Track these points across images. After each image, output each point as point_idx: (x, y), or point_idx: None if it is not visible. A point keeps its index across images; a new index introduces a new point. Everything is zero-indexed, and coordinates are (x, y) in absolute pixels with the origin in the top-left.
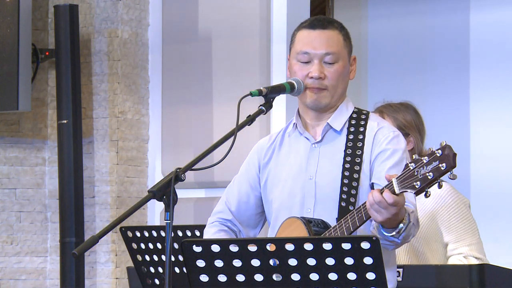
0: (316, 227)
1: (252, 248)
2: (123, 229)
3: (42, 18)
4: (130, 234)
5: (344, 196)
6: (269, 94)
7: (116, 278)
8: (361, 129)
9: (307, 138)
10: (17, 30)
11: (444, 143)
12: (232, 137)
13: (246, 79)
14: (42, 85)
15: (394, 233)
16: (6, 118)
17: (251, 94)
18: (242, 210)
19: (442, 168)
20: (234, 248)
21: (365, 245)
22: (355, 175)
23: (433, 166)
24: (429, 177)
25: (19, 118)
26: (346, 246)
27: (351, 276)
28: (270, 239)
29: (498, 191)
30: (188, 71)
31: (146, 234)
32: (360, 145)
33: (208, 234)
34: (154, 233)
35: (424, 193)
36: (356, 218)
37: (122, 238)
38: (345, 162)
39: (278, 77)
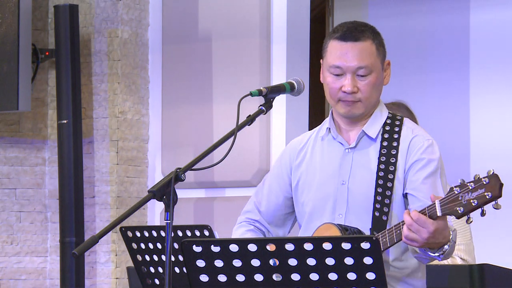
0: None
1: (252, 248)
2: (123, 229)
3: (42, 18)
4: (130, 234)
5: (378, 206)
6: (269, 94)
7: (116, 278)
8: (395, 136)
9: (341, 143)
10: (17, 30)
11: (492, 172)
12: (232, 137)
13: (246, 79)
14: (42, 85)
15: (437, 254)
16: (6, 118)
17: (251, 94)
18: (271, 211)
19: (487, 197)
20: (234, 248)
21: (365, 245)
22: (389, 184)
23: (478, 193)
24: (473, 204)
25: (19, 118)
26: (346, 246)
27: (351, 276)
28: (270, 239)
29: None
30: (188, 71)
31: (146, 234)
32: (394, 152)
33: (235, 234)
34: (154, 233)
35: (466, 218)
36: (387, 238)
37: (122, 238)
38: (379, 170)
39: (278, 77)
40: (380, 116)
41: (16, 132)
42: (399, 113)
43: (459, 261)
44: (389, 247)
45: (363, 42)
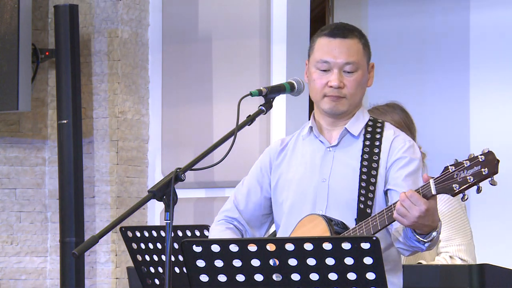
0: (336, 226)
1: (252, 248)
2: (123, 229)
3: (42, 18)
4: (130, 234)
5: (362, 199)
6: (269, 94)
7: (116, 278)
8: (378, 136)
9: (322, 142)
10: (17, 30)
11: (487, 150)
12: (232, 137)
13: (246, 79)
14: (42, 85)
15: (426, 240)
16: (6, 118)
17: (251, 94)
18: (250, 210)
19: (484, 173)
20: (234, 248)
21: (365, 245)
22: (372, 179)
23: (474, 171)
24: (469, 181)
25: (19, 118)
26: (346, 246)
27: (351, 276)
28: (270, 239)
29: (498, 191)
30: (188, 71)
31: (146, 234)
32: (376, 151)
33: (214, 231)
34: (154, 233)
35: (461, 195)
36: (377, 221)
37: (122, 238)
38: (362, 166)
39: (278, 77)
40: (362, 117)
41: (16, 132)
42: (394, 114)
43: (459, 262)
44: (380, 230)
45: (351, 39)
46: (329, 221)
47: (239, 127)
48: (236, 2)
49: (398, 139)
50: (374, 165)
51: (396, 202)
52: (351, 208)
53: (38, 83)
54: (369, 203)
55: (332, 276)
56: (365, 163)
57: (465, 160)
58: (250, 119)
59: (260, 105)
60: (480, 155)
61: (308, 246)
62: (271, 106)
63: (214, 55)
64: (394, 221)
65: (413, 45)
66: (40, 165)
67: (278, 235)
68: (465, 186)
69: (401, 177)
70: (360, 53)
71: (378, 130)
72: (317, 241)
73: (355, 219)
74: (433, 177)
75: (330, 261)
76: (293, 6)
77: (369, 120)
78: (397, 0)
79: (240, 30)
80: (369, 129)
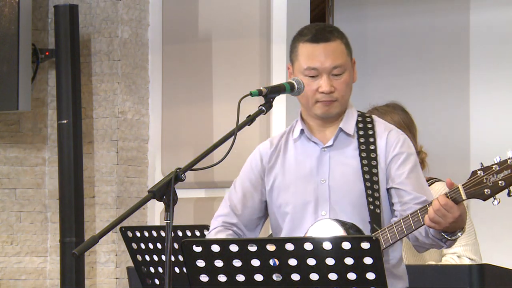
0: (351, 229)
1: (252, 248)
2: (123, 229)
3: (42, 18)
4: (130, 234)
5: (370, 199)
6: (269, 94)
7: (116, 278)
8: (370, 132)
9: (316, 143)
10: (17, 30)
11: None
12: (232, 137)
13: (246, 79)
14: (42, 85)
15: (450, 238)
16: (6, 118)
17: (251, 94)
18: (247, 214)
19: None
20: (234, 248)
21: (365, 245)
22: (375, 178)
23: (504, 175)
24: (500, 185)
25: (19, 118)
26: (346, 246)
27: (351, 276)
28: (270, 239)
29: None
30: (188, 71)
31: (146, 234)
32: (373, 148)
33: None
34: (154, 233)
35: (492, 200)
36: (403, 226)
37: (122, 238)
38: (363, 165)
39: (278, 77)
40: (352, 115)
41: (16, 132)
42: (394, 114)
43: (467, 261)
44: (407, 234)
45: (334, 42)
46: (343, 225)
47: (239, 127)
48: (236, 2)
49: (392, 134)
50: (374, 162)
51: (422, 208)
52: (358, 209)
53: (38, 83)
54: (377, 202)
55: (332, 276)
56: (365, 161)
57: (494, 164)
58: (250, 119)
59: (260, 105)
60: (509, 158)
61: (308, 246)
62: (271, 106)
63: (214, 55)
64: (421, 226)
65: (413, 45)
66: (40, 165)
67: None
68: (496, 191)
69: (404, 175)
70: (344, 54)
71: (369, 125)
72: (317, 241)
73: (369, 221)
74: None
75: (330, 261)
76: (293, 6)
77: (358, 115)
78: (397, 0)
79: (240, 30)
80: (360, 125)
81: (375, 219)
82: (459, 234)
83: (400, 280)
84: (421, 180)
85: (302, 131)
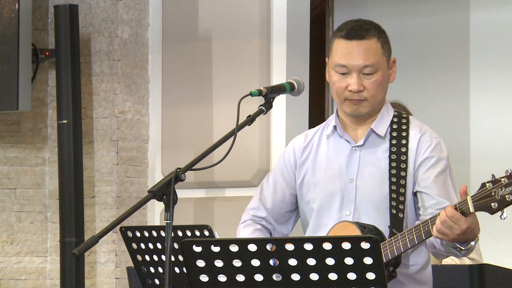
0: (370, 233)
1: (252, 248)
2: (123, 229)
3: (42, 18)
4: (130, 234)
5: (394, 204)
6: (269, 94)
7: (116, 278)
8: (404, 134)
9: (348, 141)
10: (17, 30)
11: None
12: (232, 137)
13: (246, 79)
14: (42, 85)
15: (463, 247)
16: (6, 118)
17: (251, 94)
18: (277, 207)
19: None
20: (234, 248)
21: (365, 245)
22: (402, 181)
23: None
24: (507, 199)
25: (19, 118)
26: (346, 246)
27: (351, 276)
28: (270, 239)
29: None
30: (188, 71)
31: (146, 234)
32: (404, 150)
33: (243, 233)
34: (154, 233)
35: (500, 213)
36: (414, 235)
37: (122, 238)
38: (390, 168)
39: (278, 77)
40: (387, 115)
41: (16, 132)
42: None
43: (468, 261)
44: (417, 244)
45: (368, 40)
46: (362, 228)
47: (239, 127)
48: (236, 2)
49: (425, 136)
50: (403, 165)
51: (433, 218)
52: (381, 212)
53: (38, 83)
54: (401, 207)
55: (332, 276)
56: (394, 164)
57: (503, 177)
58: (250, 119)
59: (260, 105)
60: None
61: (308, 246)
62: (271, 106)
63: (214, 55)
64: (431, 236)
65: (414, 45)
66: (40, 165)
67: (307, 235)
68: (504, 205)
69: (430, 179)
70: (378, 53)
71: (404, 127)
72: (317, 241)
73: (389, 226)
74: (453, 195)
75: (330, 261)
76: (293, 6)
77: (394, 116)
78: (397, 0)
79: (240, 30)
80: (395, 126)
81: (397, 223)
82: (472, 243)
83: (423, 286)
84: (448, 186)
85: (335, 127)
